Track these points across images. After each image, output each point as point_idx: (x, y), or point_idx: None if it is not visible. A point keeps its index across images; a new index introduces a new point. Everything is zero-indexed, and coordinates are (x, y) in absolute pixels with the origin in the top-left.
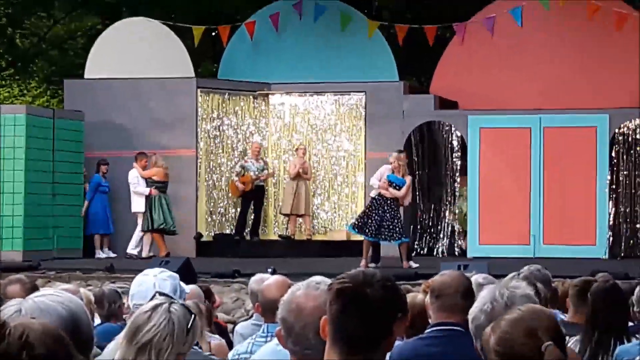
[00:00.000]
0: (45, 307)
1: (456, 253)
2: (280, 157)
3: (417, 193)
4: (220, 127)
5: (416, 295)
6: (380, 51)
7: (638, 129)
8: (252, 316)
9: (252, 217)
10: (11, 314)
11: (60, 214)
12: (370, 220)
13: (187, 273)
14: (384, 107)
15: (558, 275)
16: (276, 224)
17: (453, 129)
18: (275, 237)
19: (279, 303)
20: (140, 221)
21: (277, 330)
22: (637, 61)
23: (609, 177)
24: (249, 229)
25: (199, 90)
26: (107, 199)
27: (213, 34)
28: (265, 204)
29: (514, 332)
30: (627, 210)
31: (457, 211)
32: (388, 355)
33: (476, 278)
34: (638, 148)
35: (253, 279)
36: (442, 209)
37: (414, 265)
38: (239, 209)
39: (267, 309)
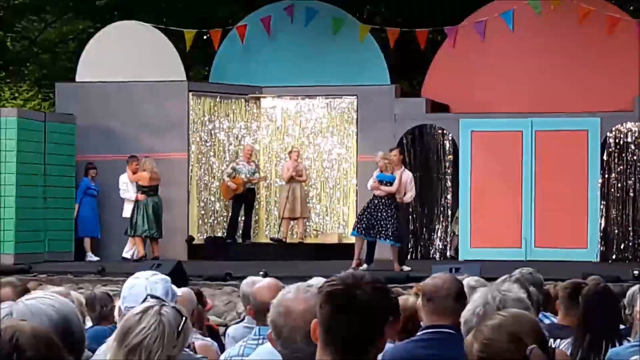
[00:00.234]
0: (37, 310)
1: (448, 256)
2: (272, 160)
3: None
4: (212, 131)
5: (408, 298)
6: (372, 55)
7: (629, 133)
8: (244, 319)
9: (243, 220)
10: (2, 317)
11: (52, 217)
12: (363, 218)
13: (178, 276)
14: (375, 110)
15: (550, 279)
16: (268, 227)
17: (445, 132)
18: (267, 240)
19: (270, 306)
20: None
21: (268, 333)
22: (629, 64)
23: (600, 181)
24: (240, 231)
25: (190, 93)
26: (96, 203)
27: (205, 37)
28: (257, 207)
29: (498, 338)
30: (619, 214)
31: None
32: (380, 356)
33: (468, 281)
34: (629, 151)
35: (245, 281)
36: (434, 212)
37: (406, 268)
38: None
39: (259, 311)
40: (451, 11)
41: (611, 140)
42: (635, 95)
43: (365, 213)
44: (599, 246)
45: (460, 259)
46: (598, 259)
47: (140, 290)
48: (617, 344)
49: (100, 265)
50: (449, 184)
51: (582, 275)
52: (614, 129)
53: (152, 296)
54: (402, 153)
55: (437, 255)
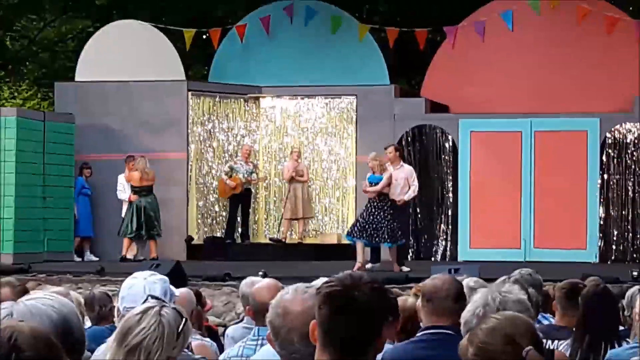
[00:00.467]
0: (37, 310)
1: (447, 257)
2: (271, 160)
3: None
4: (211, 130)
5: (407, 299)
6: (371, 54)
7: (629, 133)
8: (243, 319)
9: (240, 220)
10: (2, 318)
11: (51, 216)
12: (357, 223)
13: (177, 276)
14: (374, 110)
15: (549, 280)
16: (267, 227)
17: (444, 132)
18: (266, 241)
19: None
20: None
21: (267, 333)
22: (628, 64)
23: (599, 181)
24: (239, 231)
25: (189, 93)
26: (89, 202)
27: (204, 37)
28: (256, 207)
29: (493, 341)
30: (618, 215)
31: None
32: (379, 357)
33: (467, 282)
34: (629, 152)
35: (244, 282)
36: (434, 212)
37: (406, 269)
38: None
39: (258, 312)
40: (450, 11)
41: (610, 141)
42: (635, 94)
43: (360, 218)
44: (598, 247)
45: (459, 259)
46: (597, 260)
47: (139, 291)
48: (616, 346)
49: (100, 265)
50: (448, 184)
51: (581, 276)
52: (613, 129)
53: (153, 297)
54: (399, 149)
55: (438, 256)
